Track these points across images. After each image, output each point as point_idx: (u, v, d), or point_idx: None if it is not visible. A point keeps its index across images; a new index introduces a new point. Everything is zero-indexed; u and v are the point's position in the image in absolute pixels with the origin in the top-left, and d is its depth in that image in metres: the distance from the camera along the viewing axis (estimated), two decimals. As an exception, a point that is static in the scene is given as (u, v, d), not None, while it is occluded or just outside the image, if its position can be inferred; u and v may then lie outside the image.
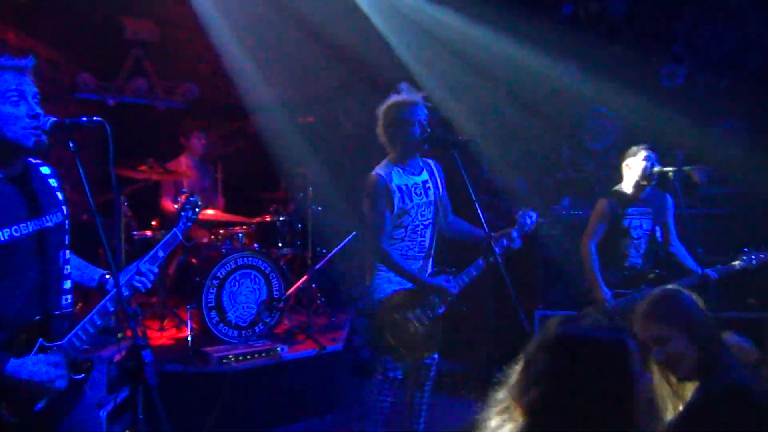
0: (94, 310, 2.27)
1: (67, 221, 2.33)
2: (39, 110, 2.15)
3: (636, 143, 5.57)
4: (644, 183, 4.45)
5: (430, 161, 3.84)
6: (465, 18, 6.35)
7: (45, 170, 2.34)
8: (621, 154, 4.72)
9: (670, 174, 4.49)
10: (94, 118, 2.12)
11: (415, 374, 3.82)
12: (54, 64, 6.14)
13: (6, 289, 2.11)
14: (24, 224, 2.14)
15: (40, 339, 2.15)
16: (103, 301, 2.29)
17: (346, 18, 6.49)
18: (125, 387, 3.95)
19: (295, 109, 6.66)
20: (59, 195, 2.32)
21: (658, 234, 4.55)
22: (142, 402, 2.23)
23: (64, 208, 2.32)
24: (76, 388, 2.23)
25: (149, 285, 2.40)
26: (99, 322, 2.27)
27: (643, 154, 4.46)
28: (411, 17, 6.39)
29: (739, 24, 6.28)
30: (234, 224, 5.76)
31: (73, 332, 2.23)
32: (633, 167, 4.47)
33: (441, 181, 3.84)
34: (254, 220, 5.81)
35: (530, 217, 3.86)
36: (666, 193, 4.58)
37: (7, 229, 2.09)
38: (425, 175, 3.77)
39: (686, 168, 4.84)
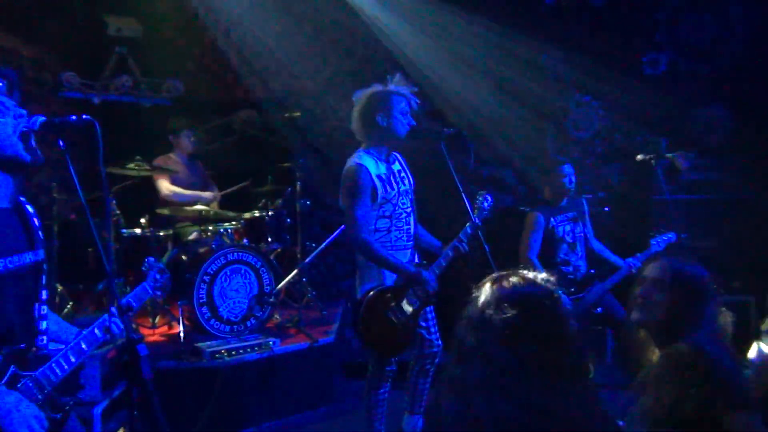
0: (68, 346, 2.23)
1: (45, 264, 2.31)
2: (22, 111, 2.16)
3: (619, 131, 5.66)
4: (565, 195, 4.70)
5: (397, 154, 3.85)
6: (449, 8, 6.39)
7: (30, 209, 2.34)
8: (605, 143, 4.82)
9: (652, 161, 4.58)
10: (83, 116, 2.13)
11: (421, 361, 3.88)
12: (38, 64, 6.11)
13: None
14: (16, 257, 2.15)
15: (12, 366, 2.10)
16: (76, 338, 2.25)
17: (332, 11, 6.51)
18: (119, 384, 3.98)
19: (282, 104, 6.68)
20: (40, 233, 2.31)
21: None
22: (138, 398, 2.26)
23: (42, 249, 2.31)
24: (54, 428, 2.17)
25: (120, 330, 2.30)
26: (75, 359, 2.22)
27: (563, 170, 4.68)
28: (396, 8, 6.41)
29: (720, 11, 6.36)
30: (223, 220, 5.78)
31: (47, 365, 2.17)
32: (554, 182, 4.70)
33: (410, 173, 3.88)
34: (243, 216, 5.82)
35: (487, 200, 3.90)
36: (581, 196, 4.85)
37: (2, 260, 2.09)
38: (398, 165, 3.79)
39: (669, 155, 4.95)
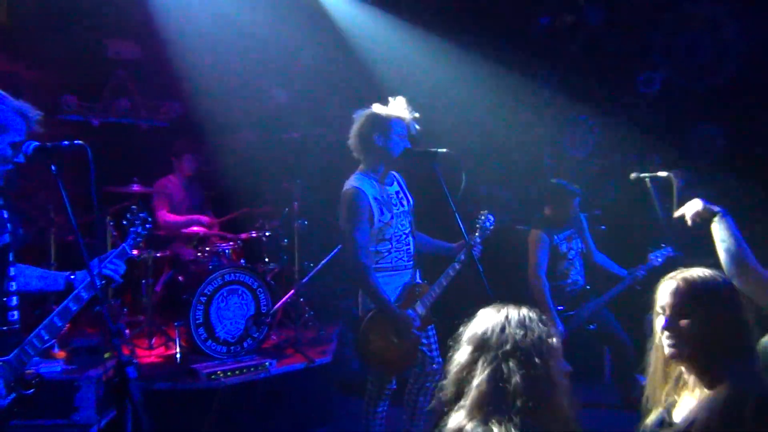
0: (41, 325, 2.35)
1: (11, 239, 2.41)
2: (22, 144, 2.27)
3: (615, 150, 5.68)
4: (567, 221, 4.81)
5: (395, 173, 3.88)
6: (446, 28, 6.45)
7: None
8: (601, 162, 4.86)
9: (647, 180, 4.59)
10: (75, 141, 2.18)
11: (422, 380, 3.86)
12: (36, 87, 6.17)
13: None
14: None
15: None
16: (65, 302, 2.41)
17: (331, 34, 6.58)
18: (113, 407, 3.97)
19: (279, 125, 6.72)
20: (4, 213, 2.40)
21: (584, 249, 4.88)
22: (131, 421, 2.26)
23: (9, 225, 2.40)
24: (26, 403, 2.31)
25: (118, 278, 2.63)
26: (48, 337, 2.36)
27: (574, 202, 4.79)
28: (393, 30, 6.48)
29: (714, 31, 6.41)
30: (220, 241, 5.79)
31: (19, 347, 2.31)
32: (561, 208, 4.78)
33: (408, 192, 3.90)
34: (240, 236, 5.84)
35: (489, 220, 3.94)
36: (580, 212, 4.92)
37: None
38: (396, 186, 3.83)
39: (663, 173, 4.96)
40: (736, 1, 6.27)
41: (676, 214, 2.71)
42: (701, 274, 2.02)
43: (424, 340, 3.83)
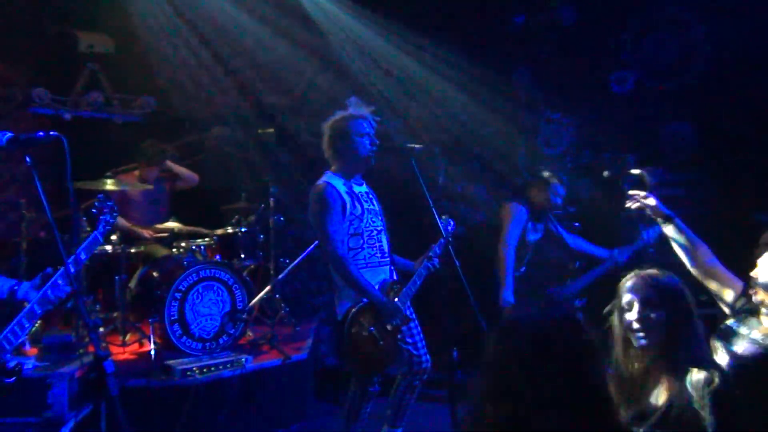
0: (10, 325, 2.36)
1: None
2: None
3: (588, 148, 5.74)
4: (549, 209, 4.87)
5: (363, 180, 3.92)
6: (422, 26, 6.48)
7: None
8: (575, 159, 4.91)
9: (620, 177, 4.67)
10: (51, 132, 2.14)
11: (409, 378, 3.86)
12: (6, 80, 6.05)
13: None
14: None
15: None
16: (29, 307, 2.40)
17: (305, 30, 6.57)
18: (88, 403, 3.92)
19: (255, 120, 6.69)
20: None
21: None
22: (105, 416, 2.24)
23: None
24: (7, 392, 2.35)
25: (62, 296, 2.52)
26: (27, 325, 2.40)
27: (553, 185, 4.86)
28: (369, 27, 6.50)
29: (683, 31, 6.54)
30: (195, 237, 5.74)
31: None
32: (541, 194, 4.85)
33: (378, 200, 3.92)
34: (216, 232, 5.79)
35: (450, 224, 3.99)
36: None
37: None
38: (365, 188, 3.87)
39: (636, 171, 5.05)
40: (702, 3, 6.39)
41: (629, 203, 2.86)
42: (659, 272, 2.27)
43: (409, 339, 3.81)
